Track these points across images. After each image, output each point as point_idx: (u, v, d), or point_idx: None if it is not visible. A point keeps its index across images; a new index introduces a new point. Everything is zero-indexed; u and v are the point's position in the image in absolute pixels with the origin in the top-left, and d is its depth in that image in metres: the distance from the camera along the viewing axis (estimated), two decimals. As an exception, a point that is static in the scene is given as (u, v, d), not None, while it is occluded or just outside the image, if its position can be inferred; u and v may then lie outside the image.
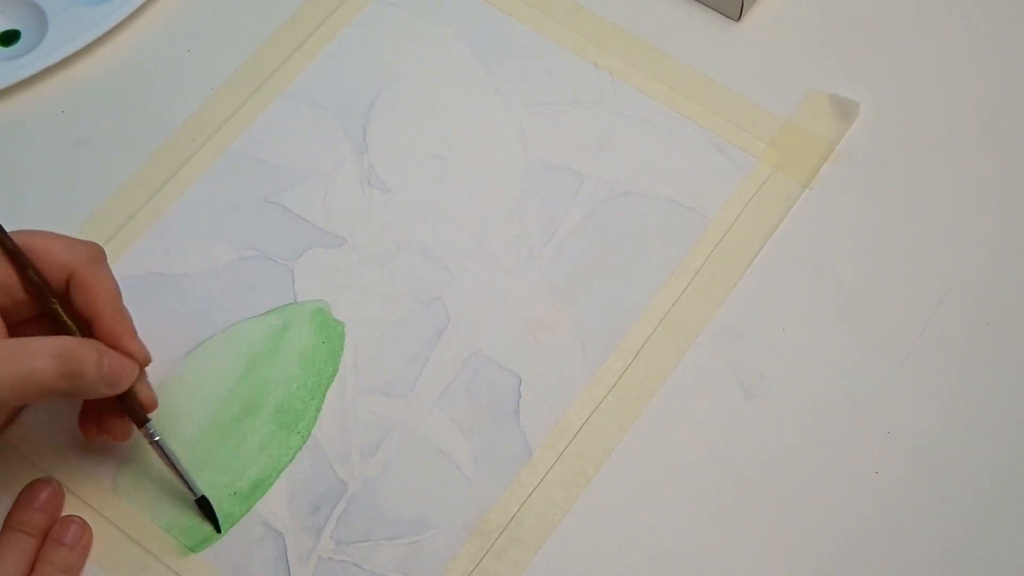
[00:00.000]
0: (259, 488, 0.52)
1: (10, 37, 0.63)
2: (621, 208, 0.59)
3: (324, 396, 0.54)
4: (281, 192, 0.59)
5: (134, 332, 0.49)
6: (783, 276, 0.57)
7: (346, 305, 0.56)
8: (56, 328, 0.48)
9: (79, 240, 0.50)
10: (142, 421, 0.50)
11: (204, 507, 0.51)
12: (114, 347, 0.48)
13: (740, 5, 0.63)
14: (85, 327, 0.49)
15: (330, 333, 0.56)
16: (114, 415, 0.50)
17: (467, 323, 0.56)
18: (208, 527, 0.51)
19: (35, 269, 0.48)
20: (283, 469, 0.53)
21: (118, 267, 0.56)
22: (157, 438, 0.50)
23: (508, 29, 0.64)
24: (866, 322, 0.56)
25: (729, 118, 0.61)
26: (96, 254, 0.49)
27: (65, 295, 0.49)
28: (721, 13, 0.64)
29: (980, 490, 0.53)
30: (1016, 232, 0.58)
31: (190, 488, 0.51)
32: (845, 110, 0.61)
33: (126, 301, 0.53)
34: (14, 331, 0.48)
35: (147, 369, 0.51)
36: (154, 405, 0.50)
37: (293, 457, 0.53)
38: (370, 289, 0.57)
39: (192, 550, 0.51)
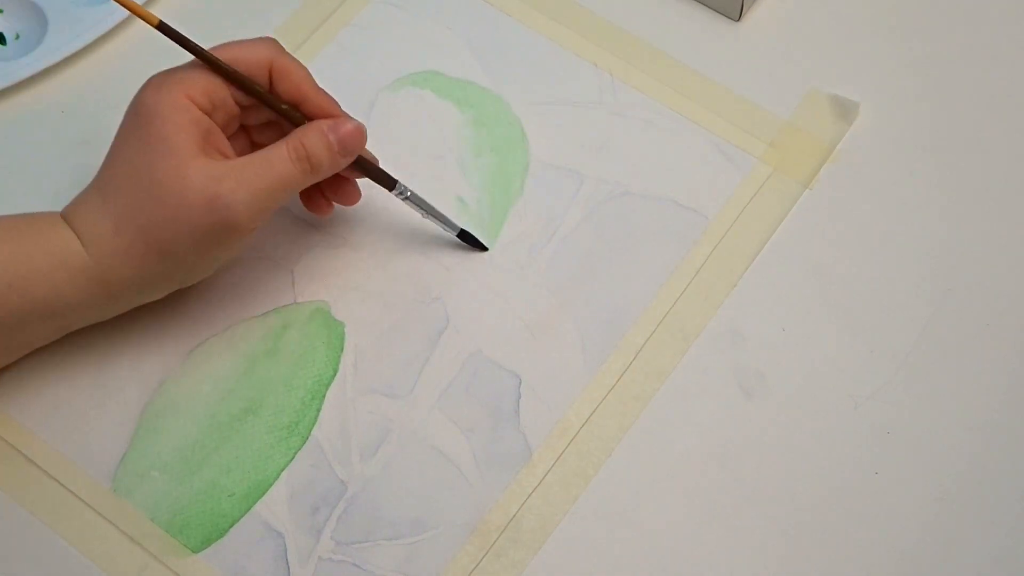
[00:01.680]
0: (259, 488, 0.52)
1: None
2: (621, 208, 0.59)
3: (324, 396, 0.54)
4: (281, 192, 0.59)
5: (340, 107, 0.52)
6: (783, 276, 0.57)
7: (346, 305, 0.56)
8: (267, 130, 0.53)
9: (255, 39, 0.52)
10: (392, 185, 0.54)
11: (466, 237, 0.57)
12: (330, 117, 0.51)
13: (740, 5, 0.63)
14: (295, 112, 0.52)
15: (330, 333, 0.56)
16: (337, 185, 0.54)
17: (467, 323, 0.56)
18: (209, 526, 0.51)
19: (249, 79, 0.51)
20: (283, 469, 0.53)
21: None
22: (408, 194, 0.55)
23: (508, 29, 0.64)
24: (866, 322, 0.56)
25: (729, 118, 0.61)
26: (278, 45, 0.52)
27: (269, 90, 0.52)
28: (721, 13, 0.64)
29: (979, 490, 0.53)
30: (1016, 232, 0.58)
31: (450, 226, 0.56)
32: (845, 110, 0.61)
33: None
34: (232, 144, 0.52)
35: (147, 368, 0.52)
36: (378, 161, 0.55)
37: (293, 457, 0.53)
38: (370, 289, 0.57)
39: (192, 550, 0.51)
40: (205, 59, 0.50)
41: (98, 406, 0.54)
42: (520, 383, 0.55)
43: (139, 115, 0.50)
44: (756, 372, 0.55)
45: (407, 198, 0.55)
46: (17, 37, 0.63)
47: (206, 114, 0.50)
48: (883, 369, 0.55)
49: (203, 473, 0.53)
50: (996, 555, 0.51)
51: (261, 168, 0.49)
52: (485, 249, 0.58)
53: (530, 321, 0.56)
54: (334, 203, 0.55)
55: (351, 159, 0.52)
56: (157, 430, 0.53)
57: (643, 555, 0.51)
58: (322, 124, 0.51)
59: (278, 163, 0.50)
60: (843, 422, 0.54)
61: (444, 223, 0.57)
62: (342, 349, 0.55)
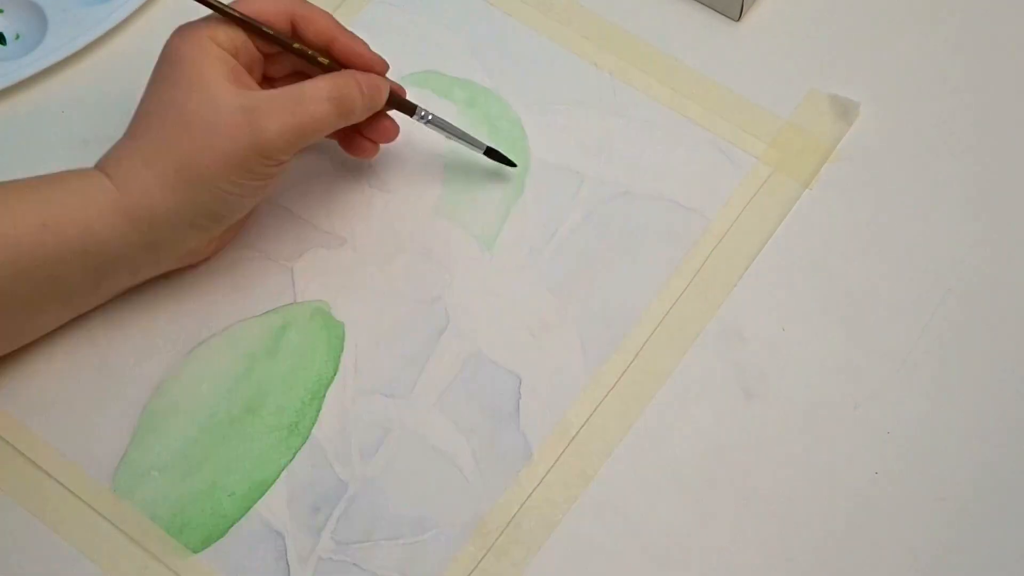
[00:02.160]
0: (259, 488, 0.52)
1: None
2: (621, 208, 0.59)
3: (324, 396, 0.54)
4: (281, 192, 0.59)
5: (368, 47, 0.54)
6: (783, 276, 0.57)
7: (346, 305, 0.56)
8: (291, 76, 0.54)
9: None
10: (412, 110, 0.56)
11: (493, 154, 0.58)
12: (356, 61, 0.53)
13: (740, 5, 0.63)
14: (324, 56, 0.53)
15: (330, 333, 0.56)
16: (375, 123, 0.55)
17: (467, 323, 0.56)
18: (209, 526, 0.52)
19: (270, 26, 0.52)
20: (283, 469, 0.53)
21: (118, 267, 0.56)
22: (430, 117, 0.56)
23: (508, 29, 0.64)
24: (866, 322, 0.56)
25: (729, 118, 0.61)
26: None
27: (295, 37, 0.53)
28: (721, 13, 0.64)
29: (979, 490, 0.53)
30: (1015, 232, 0.58)
31: (476, 143, 0.57)
32: (845, 110, 0.61)
33: (127, 302, 0.55)
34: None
35: (147, 367, 0.52)
36: (405, 91, 0.56)
37: (293, 457, 0.53)
38: (370, 289, 0.57)
39: (192, 550, 0.51)
40: (226, 14, 0.52)
41: (98, 406, 0.54)
42: (520, 383, 0.55)
43: (166, 61, 0.52)
44: (756, 372, 0.55)
45: (429, 121, 0.56)
46: (17, 37, 0.63)
47: (231, 55, 0.52)
48: (883, 369, 0.55)
49: (203, 473, 0.53)
50: (996, 555, 0.51)
51: (294, 102, 0.51)
52: (514, 165, 0.59)
53: (530, 321, 0.56)
54: (376, 143, 0.57)
55: (378, 108, 0.54)
56: (157, 430, 0.53)
57: (643, 555, 0.51)
58: (356, 73, 0.53)
59: (312, 100, 0.51)
60: (843, 422, 0.54)
61: (470, 142, 0.58)
62: (342, 349, 0.55)
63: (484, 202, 0.59)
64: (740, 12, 0.64)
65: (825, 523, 0.52)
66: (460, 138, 0.58)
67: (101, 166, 0.52)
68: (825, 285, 0.57)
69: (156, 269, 0.54)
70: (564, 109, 0.62)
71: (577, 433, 0.54)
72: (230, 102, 0.50)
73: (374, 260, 0.58)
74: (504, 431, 0.54)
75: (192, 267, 0.56)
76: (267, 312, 0.56)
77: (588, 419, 0.54)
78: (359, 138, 0.56)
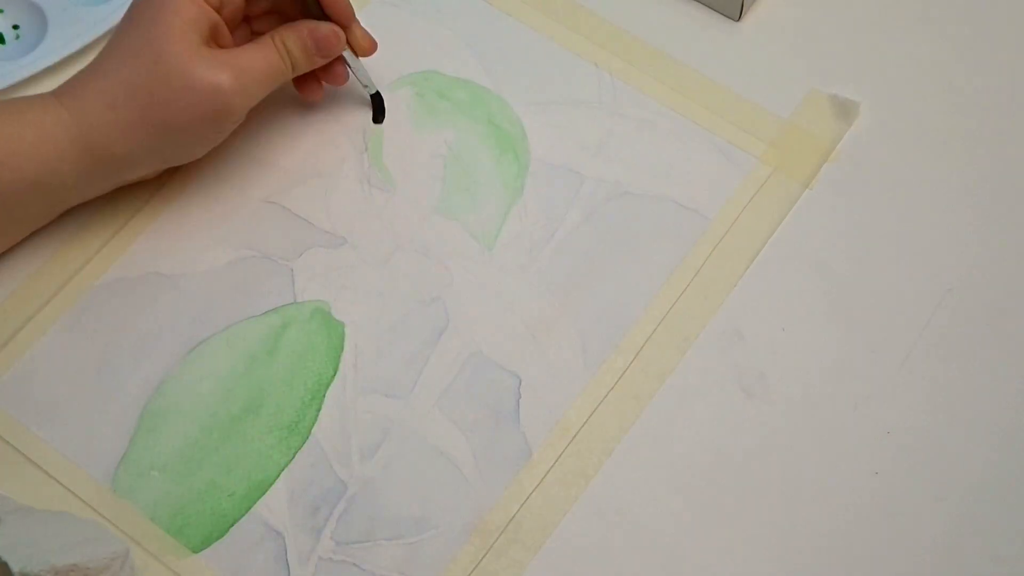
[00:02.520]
0: (259, 488, 0.52)
1: None
2: (621, 208, 0.59)
3: (324, 396, 0.54)
4: (281, 192, 0.59)
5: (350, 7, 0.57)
6: (783, 276, 0.57)
7: (346, 305, 0.56)
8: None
9: None
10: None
11: (377, 101, 0.61)
12: (336, 19, 0.56)
13: (740, 5, 0.63)
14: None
15: (330, 333, 0.56)
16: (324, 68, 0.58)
17: (467, 323, 0.56)
18: (209, 526, 0.52)
19: None
20: (283, 469, 0.53)
21: (118, 267, 0.56)
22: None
23: (508, 29, 0.64)
24: (866, 322, 0.56)
25: (729, 118, 0.61)
26: None
27: None
28: (721, 13, 0.64)
29: (979, 490, 0.53)
30: (1016, 232, 0.58)
31: (369, 84, 0.60)
32: (845, 110, 0.61)
33: (124, 302, 0.55)
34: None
35: (147, 367, 0.52)
36: (373, 48, 0.59)
37: (293, 457, 0.53)
38: (370, 289, 0.57)
39: (192, 550, 0.51)
40: None
41: (98, 406, 0.54)
42: (520, 383, 0.55)
43: (148, 5, 0.53)
44: (756, 372, 0.55)
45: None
46: (17, 37, 0.63)
47: (214, 10, 0.54)
48: (883, 369, 0.55)
49: (203, 473, 0.53)
50: (996, 555, 0.51)
51: (255, 59, 0.54)
52: (379, 122, 0.61)
53: (530, 321, 0.56)
54: (323, 84, 0.59)
55: (328, 60, 0.57)
56: (157, 430, 0.53)
57: (643, 555, 0.51)
58: (303, 25, 0.56)
59: (268, 55, 0.55)
60: (843, 422, 0.54)
61: (364, 83, 0.60)
62: (342, 349, 0.55)
63: (484, 202, 0.59)
64: (740, 12, 0.64)
65: (825, 523, 0.52)
66: (357, 76, 0.59)
67: (60, 96, 0.53)
68: (825, 285, 0.57)
69: (105, 191, 0.56)
70: (564, 109, 0.62)
71: (577, 433, 0.54)
72: (203, 64, 0.52)
73: (374, 260, 0.58)
74: (504, 431, 0.54)
75: (193, 264, 0.56)
76: (267, 312, 0.56)
77: (588, 419, 0.54)
78: (310, 79, 0.59)
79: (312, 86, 0.59)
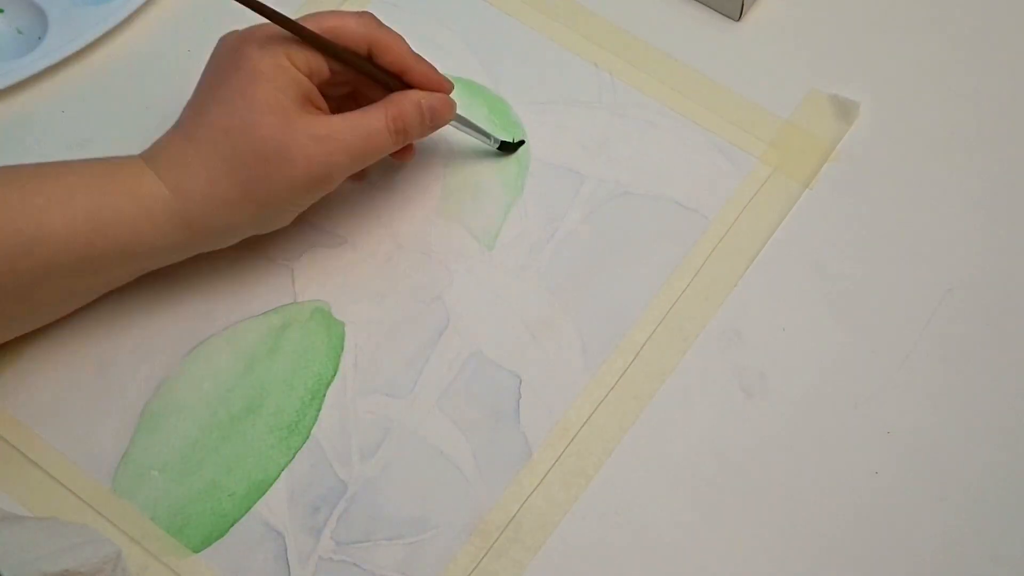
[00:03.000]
0: (259, 488, 0.52)
1: None
2: (621, 208, 0.59)
3: (324, 396, 0.54)
4: (281, 192, 0.59)
5: (437, 71, 0.54)
6: (783, 276, 0.57)
7: (346, 305, 0.56)
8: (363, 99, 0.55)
9: (354, 12, 0.53)
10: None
11: (505, 147, 0.60)
12: (429, 87, 0.54)
13: (740, 5, 0.63)
14: (397, 82, 0.54)
15: (330, 333, 0.56)
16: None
17: (467, 323, 0.56)
18: (210, 526, 0.52)
19: (345, 48, 0.52)
20: (283, 469, 0.53)
21: (118, 267, 0.56)
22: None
23: (508, 29, 0.64)
24: (866, 322, 0.56)
25: (729, 118, 0.61)
26: (376, 19, 0.53)
27: (370, 60, 0.53)
28: (721, 13, 0.64)
29: (979, 490, 0.53)
30: (1016, 232, 0.58)
31: (489, 137, 0.59)
32: (845, 110, 0.61)
33: (127, 300, 0.55)
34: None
35: (147, 367, 0.52)
36: (451, 87, 0.56)
37: (293, 457, 0.53)
38: (370, 289, 0.57)
39: (192, 550, 0.51)
40: (312, 41, 0.51)
41: (98, 406, 0.54)
42: (520, 383, 0.55)
43: (240, 70, 0.51)
44: (756, 372, 0.55)
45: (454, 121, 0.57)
46: (19, 33, 0.64)
47: (306, 77, 0.52)
48: (883, 369, 0.55)
49: (203, 473, 0.53)
50: (996, 555, 0.51)
51: (359, 131, 0.52)
52: (522, 143, 0.60)
53: (530, 321, 0.56)
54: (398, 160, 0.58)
55: (437, 129, 0.55)
56: (157, 430, 0.53)
57: (643, 555, 0.51)
58: (417, 95, 0.53)
59: (375, 129, 0.52)
60: (843, 422, 0.54)
61: (483, 135, 0.59)
62: (342, 349, 0.55)
63: (484, 202, 0.59)
64: (740, 12, 0.64)
65: (825, 523, 0.52)
66: (474, 131, 0.58)
67: (153, 163, 0.51)
68: (825, 285, 0.57)
69: (190, 255, 0.54)
70: (564, 109, 0.62)
71: (577, 433, 0.54)
72: (303, 136, 0.50)
73: (374, 260, 0.58)
74: (504, 431, 0.54)
75: (193, 264, 0.56)
76: (267, 312, 0.56)
77: (588, 419, 0.54)
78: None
79: (405, 150, 0.57)
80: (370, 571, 0.51)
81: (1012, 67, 0.63)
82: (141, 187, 0.50)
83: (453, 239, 0.58)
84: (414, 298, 0.57)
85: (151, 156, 0.52)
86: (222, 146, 0.50)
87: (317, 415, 0.54)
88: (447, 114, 0.55)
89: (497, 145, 0.59)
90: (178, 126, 0.52)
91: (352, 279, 0.57)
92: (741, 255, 0.58)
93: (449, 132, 0.58)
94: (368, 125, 0.52)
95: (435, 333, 0.56)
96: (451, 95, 0.55)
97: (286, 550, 0.51)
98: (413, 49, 0.54)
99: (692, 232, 0.58)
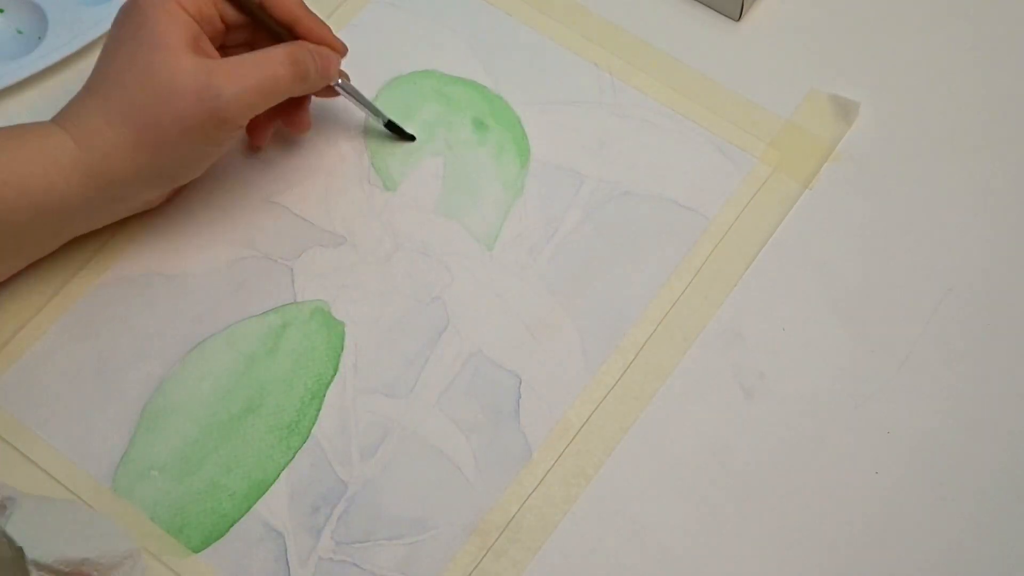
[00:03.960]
0: (259, 488, 0.52)
1: None
2: (621, 208, 0.59)
3: (324, 396, 0.54)
4: (281, 192, 0.59)
5: (328, 27, 0.56)
6: (783, 276, 0.57)
7: (346, 305, 0.56)
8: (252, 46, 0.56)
9: None
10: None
11: (392, 127, 0.60)
12: (318, 42, 0.55)
13: (740, 5, 0.63)
14: (287, 33, 0.55)
15: (330, 333, 0.56)
16: (293, 109, 0.57)
17: (467, 323, 0.56)
18: (209, 526, 0.52)
19: None
20: (283, 469, 0.53)
21: (118, 267, 0.56)
22: (340, 82, 0.57)
23: (508, 29, 0.64)
24: (866, 322, 0.56)
25: (729, 118, 0.61)
26: None
27: (262, 11, 0.55)
28: (721, 13, 0.64)
29: (980, 490, 0.53)
30: (1016, 232, 0.58)
31: (378, 114, 0.59)
32: (845, 110, 0.61)
33: (125, 301, 0.55)
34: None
35: (147, 367, 0.52)
36: (344, 49, 0.57)
37: (293, 457, 0.53)
38: (370, 289, 0.57)
39: (192, 550, 0.51)
40: None
41: (98, 406, 0.54)
42: (520, 383, 0.55)
43: (130, 16, 0.52)
44: (756, 372, 0.55)
45: (339, 85, 0.57)
46: (19, 32, 0.64)
47: (195, 22, 0.53)
48: (883, 369, 0.55)
49: (203, 472, 0.53)
50: (996, 555, 0.51)
51: (254, 65, 0.52)
52: (412, 139, 0.60)
53: (530, 321, 0.56)
54: (280, 131, 0.59)
55: (327, 83, 0.56)
56: (157, 429, 0.53)
57: (643, 555, 0.51)
58: (309, 45, 0.54)
59: (273, 63, 0.52)
60: (843, 422, 0.54)
61: (373, 112, 0.59)
62: (342, 348, 0.55)
63: (484, 202, 0.59)
64: (740, 12, 0.64)
65: (825, 523, 0.52)
66: (365, 107, 0.59)
67: (60, 121, 0.52)
68: (825, 285, 0.57)
69: (112, 219, 0.55)
70: (564, 109, 0.62)
71: (577, 433, 0.54)
72: (189, 66, 0.51)
73: (374, 259, 0.58)
74: (504, 431, 0.54)
75: (193, 264, 0.56)
76: (267, 312, 0.56)
77: (588, 419, 0.54)
78: (266, 124, 0.57)
79: (266, 130, 0.58)
80: (370, 571, 0.51)
81: (1012, 67, 0.63)
82: (48, 142, 0.51)
83: (453, 239, 0.58)
84: (414, 298, 0.57)
85: (60, 115, 0.53)
86: (117, 90, 0.52)
87: (317, 415, 0.54)
88: (333, 69, 0.55)
89: (384, 122, 0.60)
90: (85, 83, 0.53)
91: (352, 279, 0.57)
92: (741, 255, 0.58)
93: (449, 133, 0.58)
94: (266, 61, 0.52)
95: (435, 333, 0.56)
96: (344, 59, 0.57)
97: (286, 550, 0.51)
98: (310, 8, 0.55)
99: (692, 232, 0.58)
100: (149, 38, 0.51)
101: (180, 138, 0.52)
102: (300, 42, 0.54)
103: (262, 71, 0.52)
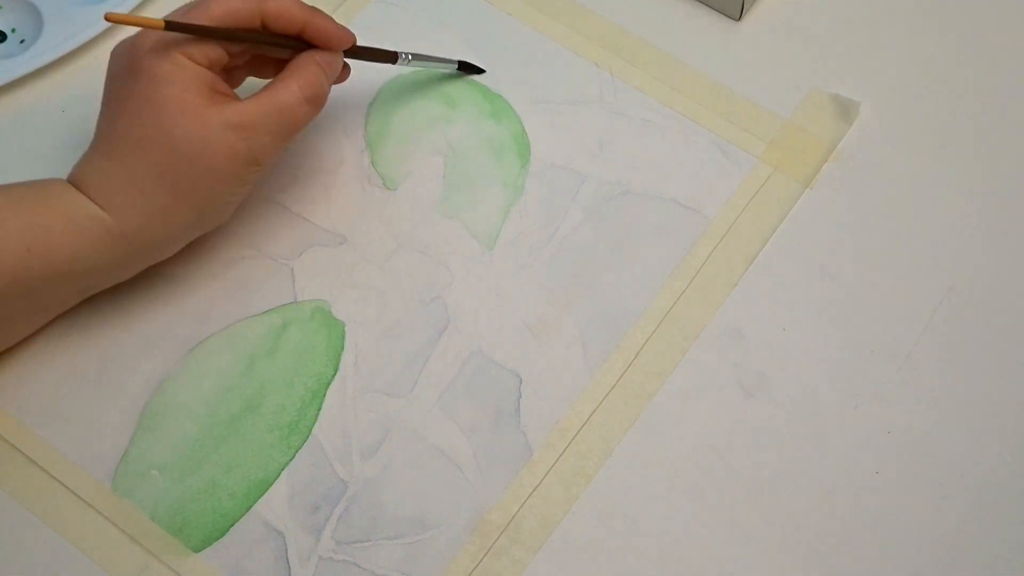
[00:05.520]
0: (259, 487, 0.52)
1: None
2: (621, 208, 0.59)
3: (324, 396, 0.54)
4: (281, 191, 0.59)
5: (333, 20, 0.54)
6: (783, 276, 0.57)
7: (346, 304, 0.56)
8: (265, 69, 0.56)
9: None
10: (394, 57, 0.58)
11: (464, 67, 0.62)
12: (325, 40, 0.53)
13: (740, 5, 0.63)
14: (297, 43, 0.54)
15: (330, 332, 0.56)
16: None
17: (467, 323, 0.56)
18: (210, 525, 0.51)
19: (234, 29, 0.52)
20: (283, 469, 0.53)
21: (118, 266, 0.56)
22: (409, 58, 0.59)
23: (508, 28, 0.64)
24: (866, 322, 0.56)
25: (729, 118, 0.61)
26: None
27: (265, 30, 0.53)
28: (721, 13, 0.64)
29: (980, 490, 0.53)
30: (1016, 232, 0.58)
31: (448, 63, 0.61)
32: (845, 110, 0.61)
33: (128, 300, 0.55)
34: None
35: (147, 367, 0.52)
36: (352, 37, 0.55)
37: (293, 457, 0.53)
38: (370, 288, 0.57)
39: (193, 549, 0.51)
40: (205, 35, 0.51)
41: (98, 405, 0.54)
42: (520, 383, 0.55)
43: (141, 79, 0.50)
44: (756, 372, 0.55)
45: (409, 62, 0.59)
46: (14, 33, 0.63)
47: (207, 68, 0.52)
48: (883, 369, 0.55)
49: (203, 472, 0.53)
50: (996, 555, 0.51)
51: (274, 108, 0.51)
52: (483, 71, 0.62)
53: (530, 321, 0.56)
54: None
55: (339, 74, 0.55)
56: (157, 429, 0.53)
57: (643, 555, 0.51)
58: (314, 56, 0.53)
59: (289, 103, 0.52)
60: (843, 422, 0.54)
61: (442, 62, 0.61)
62: (342, 348, 0.55)
63: (484, 201, 0.59)
64: (740, 12, 0.64)
65: (825, 523, 0.52)
66: (437, 63, 0.60)
67: (82, 187, 0.51)
68: (825, 285, 0.57)
69: (136, 271, 0.54)
70: (564, 109, 0.62)
71: (577, 433, 0.54)
72: (218, 123, 0.50)
73: (374, 259, 0.58)
74: (504, 431, 0.54)
75: (193, 264, 0.56)
76: (267, 311, 0.56)
77: (588, 419, 0.54)
78: None
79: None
80: (370, 571, 0.51)
81: (1012, 67, 0.63)
82: (75, 209, 0.50)
83: (453, 239, 0.58)
84: (414, 298, 0.57)
85: (77, 179, 0.52)
86: (142, 157, 0.50)
87: (317, 414, 0.54)
88: (338, 68, 0.55)
89: (456, 67, 0.61)
90: (94, 146, 0.52)
91: (352, 278, 0.57)
92: (741, 255, 0.58)
93: (449, 132, 0.58)
94: (281, 100, 0.52)
95: (435, 333, 0.56)
96: (355, 49, 0.56)
97: (286, 550, 0.51)
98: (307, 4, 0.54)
99: (692, 232, 0.58)
100: (168, 103, 0.50)
101: (216, 190, 0.52)
102: (308, 57, 0.53)
103: (284, 116, 0.52)
